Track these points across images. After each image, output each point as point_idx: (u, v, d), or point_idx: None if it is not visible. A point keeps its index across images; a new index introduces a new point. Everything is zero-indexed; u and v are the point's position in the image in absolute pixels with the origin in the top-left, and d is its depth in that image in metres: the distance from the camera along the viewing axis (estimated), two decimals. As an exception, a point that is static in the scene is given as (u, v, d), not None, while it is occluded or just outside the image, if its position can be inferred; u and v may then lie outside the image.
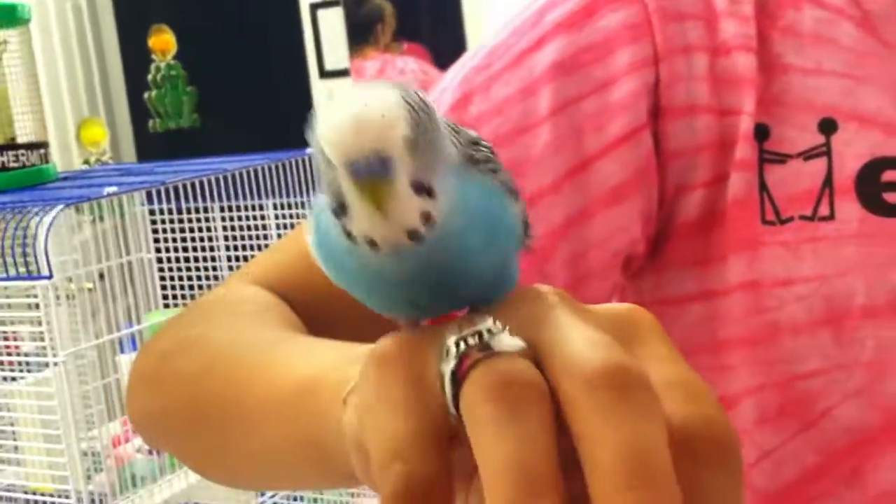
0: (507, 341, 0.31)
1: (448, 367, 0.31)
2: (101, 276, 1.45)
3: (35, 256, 0.99)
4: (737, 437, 0.31)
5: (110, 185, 1.19)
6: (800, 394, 0.62)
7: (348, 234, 0.33)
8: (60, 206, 1.02)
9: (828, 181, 0.61)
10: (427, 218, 0.32)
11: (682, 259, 0.65)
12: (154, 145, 3.02)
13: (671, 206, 0.64)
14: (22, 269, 1.04)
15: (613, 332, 0.32)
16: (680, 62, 0.62)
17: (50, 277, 0.99)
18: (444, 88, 0.67)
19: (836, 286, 0.61)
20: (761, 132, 0.62)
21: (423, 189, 0.32)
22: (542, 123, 0.62)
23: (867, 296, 0.60)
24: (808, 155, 0.62)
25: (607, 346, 0.30)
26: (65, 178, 1.37)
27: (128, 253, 1.49)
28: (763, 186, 0.62)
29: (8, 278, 1.02)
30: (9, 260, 1.03)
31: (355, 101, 0.31)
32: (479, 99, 0.64)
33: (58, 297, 1.07)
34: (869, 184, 0.61)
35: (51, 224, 0.99)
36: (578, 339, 0.31)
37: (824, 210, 0.61)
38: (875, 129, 0.61)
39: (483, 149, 0.36)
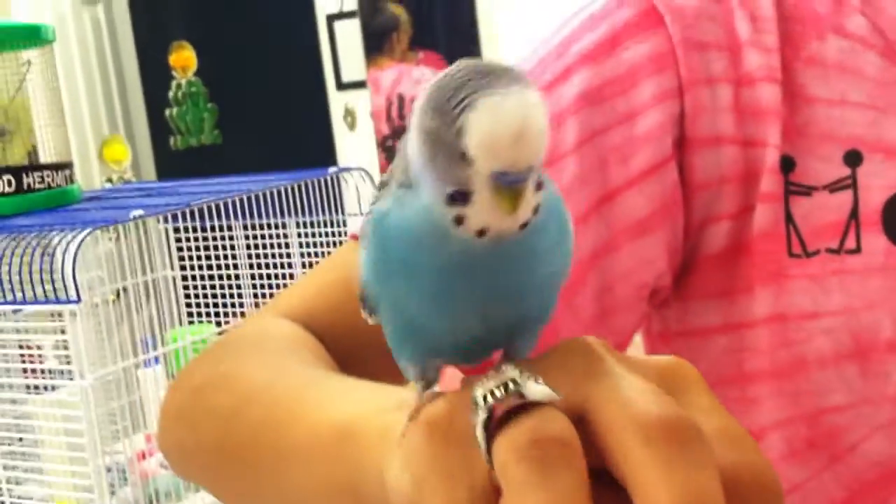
0: (535, 390, 0.31)
1: (478, 420, 0.31)
2: (125, 290, 1.46)
3: (63, 279, 1.00)
4: (780, 484, 0.32)
5: (135, 206, 1.19)
6: (827, 427, 0.62)
7: (459, 220, 0.33)
8: (88, 230, 1.03)
9: (854, 214, 0.61)
10: (536, 210, 0.34)
11: (707, 290, 0.65)
12: (175, 162, 3.03)
13: (696, 238, 0.64)
14: (49, 292, 1.04)
15: (659, 383, 0.32)
16: (704, 93, 0.62)
17: (78, 301, 1.00)
18: None
19: (862, 319, 0.60)
20: (786, 164, 0.62)
21: (539, 186, 0.33)
22: (568, 155, 0.62)
23: (893, 329, 0.60)
24: (833, 187, 0.61)
25: (661, 398, 0.31)
26: (89, 199, 1.38)
27: (152, 271, 1.50)
28: (789, 219, 0.62)
29: (35, 302, 1.03)
30: (36, 281, 1.04)
31: (516, 110, 0.31)
32: None
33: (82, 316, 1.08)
34: (894, 216, 0.60)
35: (78, 247, 1.00)
36: (631, 391, 0.31)
37: (851, 243, 0.61)
38: None
39: None
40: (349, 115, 3.06)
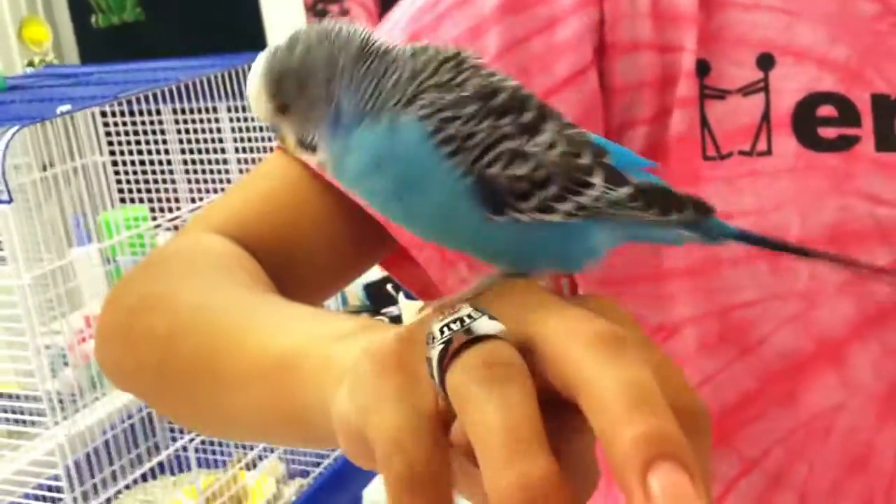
0: (487, 325, 0.34)
1: (434, 352, 0.34)
2: (54, 176, 1.44)
3: (-7, 180, 0.98)
4: (707, 409, 0.34)
5: (61, 97, 1.17)
6: (738, 322, 0.65)
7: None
8: (15, 128, 1.01)
9: (765, 116, 0.62)
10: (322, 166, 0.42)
11: None
12: (98, 41, 2.94)
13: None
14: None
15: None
16: (623, 0, 0.63)
17: (10, 202, 0.99)
18: (391, 27, 0.67)
19: (772, 219, 0.62)
20: (702, 68, 0.63)
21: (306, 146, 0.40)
22: (491, 64, 0.63)
23: (802, 228, 0.62)
24: (746, 91, 0.63)
25: (597, 318, 0.34)
26: (12, 89, 1.34)
27: (81, 156, 1.48)
28: (704, 122, 0.63)
29: (-35, 201, 1.01)
30: (-35, 181, 1.02)
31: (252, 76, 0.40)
32: (427, 39, 0.64)
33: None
34: (805, 119, 0.62)
35: (6, 146, 0.98)
36: (571, 315, 0.34)
37: (762, 145, 0.62)
38: (811, 64, 0.62)
39: (445, 98, 0.39)
40: (275, -21, 2.99)
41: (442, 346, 0.34)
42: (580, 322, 0.33)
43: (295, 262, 0.65)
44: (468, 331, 0.34)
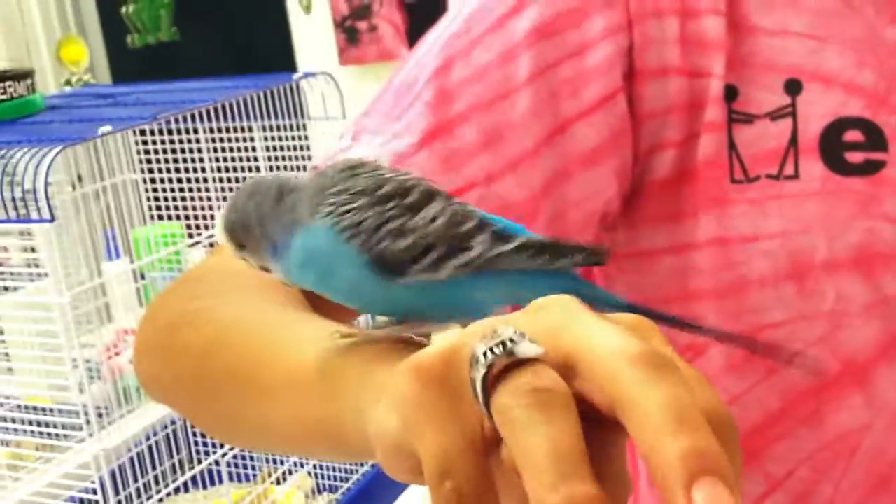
0: (529, 348, 0.35)
1: (478, 375, 0.35)
2: (90, 194, 1.46)
3: (35, 199, 1.00)
4: (734, 419, 0.36)
5: (101, 118, 1.19)
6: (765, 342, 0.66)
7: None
8: (58, 148, 1.03)
9: (793, 141, 0.64)
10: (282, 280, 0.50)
11: (654, 215, 0.68)
12: (132, 61, 2.97)
13: (644, 165, 0.67)
14: (20, 209, 1.05)
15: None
16: (652, 26, 0.64)
17: (51, 221, 1.01)
18: (426, 52, 0.68)
19: (799, 242, 0.64)
20: (730, 93, 0.64)
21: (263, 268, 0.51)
22: (521, 89, 0.64)
23: (829, 250, 0.63)
24: (774, 115, 0.64)
25: (635, 337, 0.35)
26: (51, 108, 1.37)
27: (115, 174, 1.51)
28: (732, 146, 0.64)
29: (8, 220, 1.04)
30: (7, 199, 1.05)
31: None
32: (460, 64, 0.66)
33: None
34: (831, 143, 0.63)
35: (49, 166, 1.01)
36: (613, 333, 0.35)
37: (789, 169, 0.64)
38: (838, 89, 0.63)
39: (342, 197, 0.46)
40: (304, -4, 3.01)
41: (485, 371, 0.35)
42: (622, 342, 0.35)
43: None
44: (510, 353, 0.35)
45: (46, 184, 1.00)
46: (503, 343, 0.35)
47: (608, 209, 0.67)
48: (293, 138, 1.45)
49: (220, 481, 1.52)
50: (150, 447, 1.49)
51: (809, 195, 0.63)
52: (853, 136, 0.63)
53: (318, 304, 0.61)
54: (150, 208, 1.59)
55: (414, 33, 3.11)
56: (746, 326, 0.66)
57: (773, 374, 0.67)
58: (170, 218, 1.58)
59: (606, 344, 0.35)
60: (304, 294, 0.63)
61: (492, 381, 0.35)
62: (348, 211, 0.46)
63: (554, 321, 0.37)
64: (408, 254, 0.46)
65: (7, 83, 1.26)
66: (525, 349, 0.35)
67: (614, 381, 0.34)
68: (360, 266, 0.46)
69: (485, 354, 0.35)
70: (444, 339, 0.39)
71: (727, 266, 0.65)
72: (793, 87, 0.64)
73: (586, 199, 0.66)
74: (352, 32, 3.01)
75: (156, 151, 1.53)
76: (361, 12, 3.02)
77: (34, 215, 1.03)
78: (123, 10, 2.89)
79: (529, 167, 0.64)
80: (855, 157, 0.63)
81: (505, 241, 0.47)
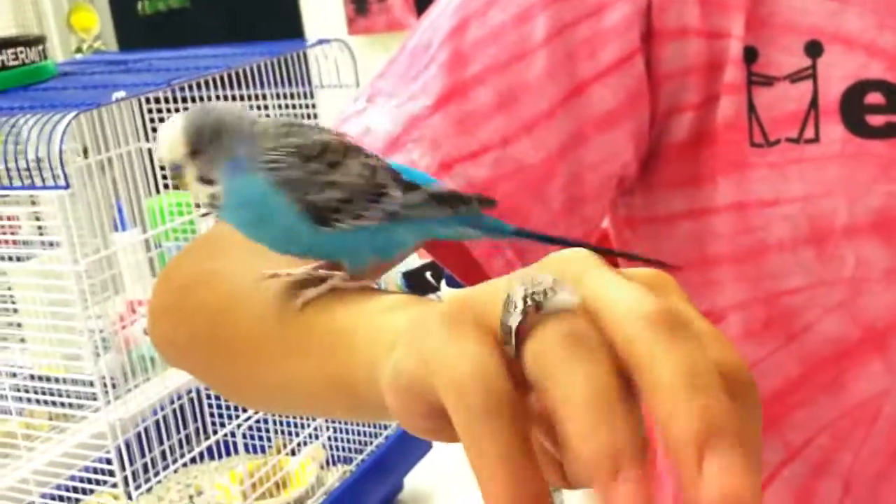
0: (567, 298, 0.35)
1: (514, 320, 0.35)
2: (101, 162, 1.45)
3: (50, 164, 0.99)
4: (752, 376, 0.35)
5: (114, 84, 1.18)
6: (784, 308, 0.65)
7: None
8: (73, 114, 1.02)
9: (813, 104, 0.63)
10: (213, 197, 0.52)
11: (672, 178, 0.67)
12: (141, 29, 2.96)
13: (662, 128, 0.66)
14: (35, 175, 1.04)
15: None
16: None
17: (66, 188, 1.00)
18: (440, 13, 0.67)
19: (819, 206, 0.63)
20: (749, 55, 0.63)
21: (209, 182, 0.52)
22: (537, 50, 0.64)
23: (849, 215, 0.62)
24: (794, 77, 0.63)
25: (654, 295, 0.35)
26: (63, 75, 1.35)
27: (126, 143, 1.49)
28: (751, 109, 0.64)
29: (23, 187, 1.02)
30: (21, 167, 1.04)
31: (164, 128, 0.51)
32: (475, 25, 0.65)
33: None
34: (853, 106, 0.62)
35: (64, 132, 0.99)
36: (628, 291, 0.35)
37: (810, 132, 0.63)
38: (859, 51, 0.62)
39: (278, 153, 0.52)
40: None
41: (522, 317, 0.35)
42: (637, 300, 0.34)
43: None
44: (545, 303, 0.35)
45: (61, 150, 0.99)
46: (544, 291, 0.35)
47: (625, 172, 0.66)
48: (306, 106, 1.43)
49: (235, 452, 1.52)
50: (163, 418, 1.49)
51: (830, 158, 0.62)
52: (874, 98, 0.62)
53: None
54: (163, 177, 1.57)
55: (422, 4, 3.10)
56: (765, 292, 0.65)
57: (792, 340, 0.66)
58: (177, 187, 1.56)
59: (622, 301, 0.34)
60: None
61: (526, 329, 0.35)
62: (283, 168, 0.52)
63: (570, 275, 0.36)
64: (333, 204, 0.52)
65: (19, 49, 1.25)
66: (564, 298, 0.35)
67: (628, 341, 0.33)
68: (294, 214, 0.52)
69: (524, 300, 0.35)
70: (482, 287, 0.38)
71: (746, 230, 0.64)
72: (813, 49, 0.63)
73: (603, 162, 0.65)
74: (361, 2, 2.99)
75: (162, 120, 1.51)
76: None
77: (48, 183, 1.01)
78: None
79: (545, 129, 0.63)
80: (876, 119, 0.62)
81: (413, 191, 0.54)
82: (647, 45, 0.64)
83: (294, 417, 1.58)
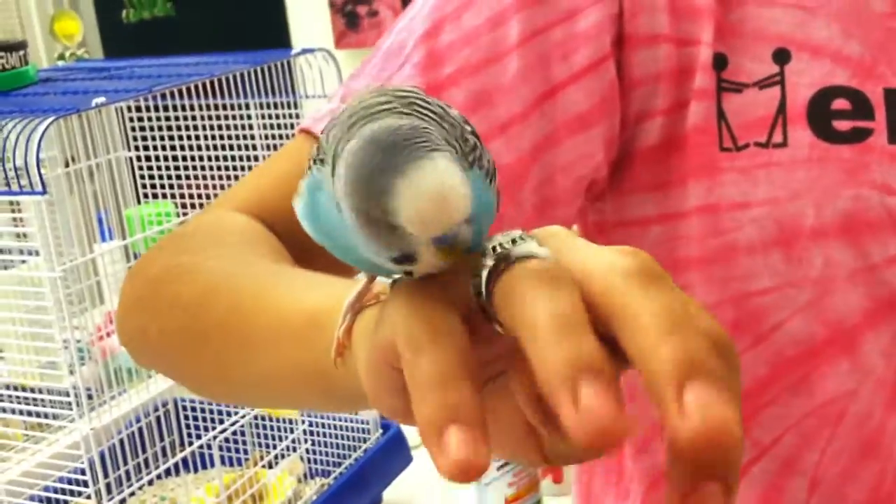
0: (537, 248, 0.35)
1: (487, 263, 0.35)
2: (83, 171, 1.44)
3: (27, 170, 0.98)
4: (735, 346, 0.35)
5: (95, 90, 1.17)
6: (753, 309, 0.66)
7: (408, 273, 0.37)
8: (50, 119, 1.00)
9: (781, 109, 0.64)
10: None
11: (642, 183, 0.68)
12: (126, 37, 2.94)
13: (632, 133, 0.67)
14: (12, 180, 1.03)
15: None
16: None
17: (43, 193, 0.98)
18: (414, 16, 0.68)
19: (787, 209, 0.63)
20: (719, 62, 0.64)
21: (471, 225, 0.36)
22: (510, 52, 0.64)
23: (817, 217, 0.63)
24: (763, 84, 0.64)
25: (636, 255, 0.34)
26: (44, 81, 1.34)
27: (107, 151, 1.48)
28: (721, 114, 0.64)
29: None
30: (-1, 173, 1.02)
31: (433, 185, 0.34)
32: (450, 28, 0.65)
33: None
34: (819, 112, 0.63)
35: (41, 137, 0.98)
36: (607, 253, 0.35)
37: (778, 137, 0.64)
38: (825, 59, 0.63)
39: (469, 137, 0.38)
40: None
41: (494, 262, 0.34)
42: (617, 259, 0.34)
43: (313, 242, 0.66)
44: (510, 253, 0.34)
45: (38, 155, 0.98)
46: (513, 239, 0.35)
47: (596, 175, 0.67)
48: (289, 116, 1.43)
49: (211, 464, 1.50)
50: (139, 429, 1.47)
51: (798, 162, 0.63)
52: (840, 104, 0.63)
53: (305, 265, 0.61)
54: (143, 186, 1.56)
55: (411, 17, 3.08)
56: (734, 293, 0.66)
57: (761, 341, 0.67)
58: (164, 196, 1.55)
59: (602, 261, 0.34)
60: (291, 254, 0.63)
61: (499, 274, 0.34)
62: None
63: (555, 244, 0.36)
64: None
65: (-1, 54, 1.23)
66: (533, 247, 0.35)
67: (608, 294, 0.33)
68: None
69: (493, 249, 0.35)
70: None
71: (715, 233, 0.65)
72: (781, 57, 0.64)
73: (574, 164, 0.65)
74: (352, 17, 2.99)
75: (151, 128, 1.50)
76: (360, -6, 3.00)
77: (26, 189, 1.00)
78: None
79: (519, 131, 0.64)
80: (842, 125, 0.63)
81: None
82: (618, 50, 0.65)
83: (272, 430, 1.57)
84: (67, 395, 1.22)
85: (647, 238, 0.68)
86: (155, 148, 1.51)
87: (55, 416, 1.40)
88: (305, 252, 0.63)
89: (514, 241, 0.35)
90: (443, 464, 0.31)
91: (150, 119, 1.50)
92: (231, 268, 0.58)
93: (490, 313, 0.35)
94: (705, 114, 0.64)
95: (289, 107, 1.43)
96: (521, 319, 0.32)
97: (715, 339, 0.33)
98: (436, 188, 0.33)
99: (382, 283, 0.42)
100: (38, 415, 1.40)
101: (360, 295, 0.43)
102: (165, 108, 1.44)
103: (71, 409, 1.22)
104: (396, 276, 0.38)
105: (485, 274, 0.35)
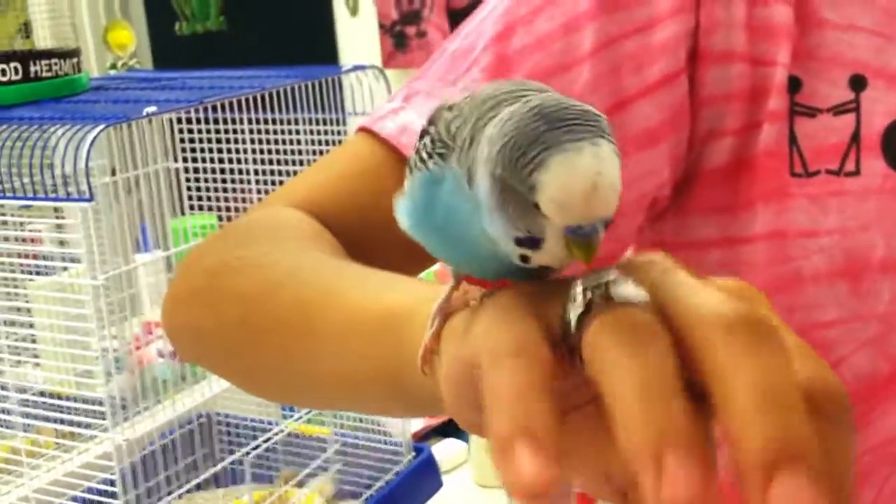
0: (632, 291, 0.33)
1: (575, 312, 0.33)
2: (130, 180, 1.44)
3: (76, 176, 0.98)
4: (849, 398, 0.33)
5: (146, 100, 1.17)
6: (817, 341, 0.64)
7: (524, 259, 0.34)
8: (101, 126, 1.00)
9: (855, 137, 0.62)
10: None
11: (706, 204, 0.66)
12: (177, 49, 2.97)
13: (699, 152, 0.65)
14: (59, 187, 1.02)
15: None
16: (719, 8, 0.62)
17: (90, 200, 0.98)
18: (485, 17, 0.66)
19: (857, 240, 0.62)
20: (794, 84, 0.63)
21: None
22: (583, 61, 0.63)
23: (886, 249, 0.62)
24: (837, 110, 0.62)
25: (737, 300, 0.32)
26: (95, 89, 1.34)
27: (156, 161, 1.48)
28: (792, 138, 0.63)
29: (47, 198, 1.01)
30: (46, 175, 1.02)
31: (589, 168, 0.32)
32: (522, 31, 0.64)
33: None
34: (893, 142, 0.62)
35: (91, 144, 0.98)
36: (708, 295, 0.32)
37: (850, 165, 0.62)
38: None
39: None
40: (351, -1, 3.00)
41: (583, 309, 0.32)
42: (720, 305, 0.31)
43: (374, 245, 0.65)
44: (608, 295, 0.32)
45: (88, 163, 0.97)
46: (605, 284, 0.33)
47: (659, 194, 0.65)
48: (337, 132, 1.42)
49: (242, 480, 1.49)
50: (171, 442, 1.46)
51: (870, 192, 0.62)
52: None
53: (354, 253, 0.60)
54: (189, 198, 1.56)
55: (460, 41, 3.10)
56: (797, 324, 0.64)
57: None
58: (210, 209, 1.55)
59: (705, 307, 0.32)
60: (341, 243, 0.62)
61: (588, 320, 0.32)
62: None
63: (647, 278, 0.34)
64: None
65: (53, 60, 1.24)
66: (627, 291, 0.32)
67: (705, 349, 0.31)
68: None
69: (584, 293, 0.33)
70: (541, 284, 0.36)
71: (782, 261, 0.64)
72: (857, 83, 0.62)
73: (639, 179, 0.64)
74: (400, 37, 3.00)
75: (200, 140, 1.50)
76: (411, 17, 3.00)
77: (73, 195, 1.00)
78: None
79: None
80: None
81: None
82: (692, 65, 0.63)
83: (304, 448, 1.55)
84: (101, 404, 1.22)
85: (707, 262, 0.66)
86: (203, 160, 1.51)
87: (88, 426, 1.39)
88: (361, 251, 0.62)
89: (607, 286, 0.33)
90: (509, 480, 0.29)
91: (199, 131, 1.49)
92: (295, 262, 0.57)
93: (575, 349, 0.33)
94: (777, 137, 0.62)
95: (337, 123, 1.42)
96: (608, 379, 0.30)
97: (824, 392, 0.31)
98: (592, 174, 0.32)
99: (469, 288, 0.41)
100: (70, 423, 1.39)
101: (448, 298, 0.41)
102: (216, 122, 1.44)
103: (103, 419, 1.21)
104: (487, 291, 0.36)
105: (574, 315, 0.33)
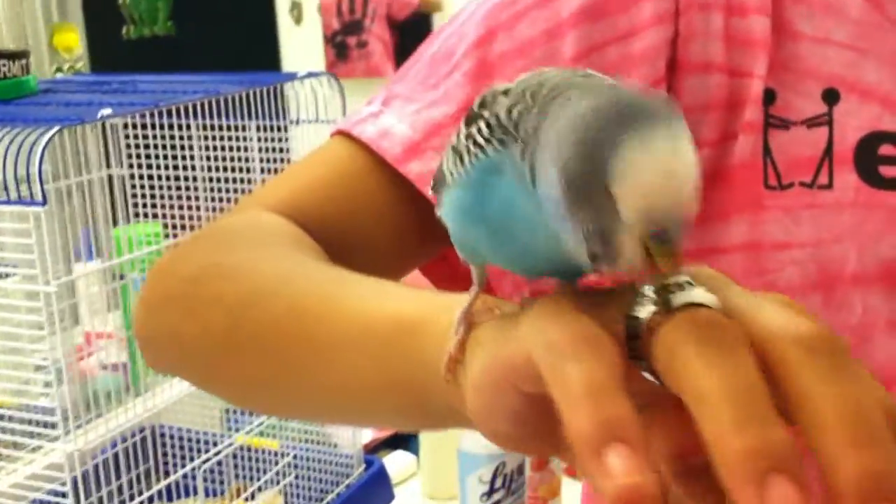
0: (706, 296, 0.31)
1: (646, 311, 0.31)
2: (73, 186, 1.41)
3: (28, 180, 0.95)
4: None
5: (98, 102, 1.14)
6: None
7: (593, 257, 0.32)
8: (55, 129, 0.98)
9: (828, 150, 0.63)
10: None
11: None
12: (124, 53, 2.92)
13: None
14: (11, 191, 1.00)
15: None
16: (698, 18, 0.63)
17: (43, 205, 0.95)
18: (465, 21, 0.66)
19: (830, 252, 0.62)
20: (768, 96, 0.63)
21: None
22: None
23: (858, 262, 0.62)
24: (810, 123, 0.63)
25: (809, 317, 0.32)
26: (44, 91, 1.31)
27: (101, 168, 1.45)
28: (767, 151, 0.63)
29: (-1, 201, 0.98)
30: (-4, 180, 0.99)
31: (673, 173, 0.30)
32: (503, 36, 0.64)
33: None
34: (866, 156, 0.62)
35: (45, 147, 0.96)
36: (778, 310, 0.32)
37: (823, 178, 0.63)
38: (874, 103, 0.63)
39: None
40: (295, 7, 2.99)
41: (654, 307, 0.31)
42: (795, 320, 0.31)
43: (354, 249, 0.64)
44: (681, 299, 0.31)
45: (41, 166, 0.95)
46: (679, 284, 0.31)
47: None
48: (285, 139, 1.40)
49: (192, 494, 1.46)
50: (118, 454, 1.43)
51: (842, 206, 0.62)
52: (888, 150, 0.62)
53: (333, 258, 0.59)
54: (134, 205, 1.53)
55: (401, 51, 3.11)
56: None
57: None
58: (154, 217, 1.52)
59: (777, 323, 0.31)
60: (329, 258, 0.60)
61: (656, 323, 0.31)
62: None
63: (715, 286, 0.33)
64: None
65: (1, 62, 1.21)
66: (701, 294, 0.31)
67: (786, 368, 0.30)
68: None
69: (656, 292, 0.31)
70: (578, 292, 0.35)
71: (757, 272, 0.64)
72: (830, 97, 0.63)
73: None
74: (341, 48, 2.99)
75: (146, 146, 1.47)
76: (352, 28, 3.00)
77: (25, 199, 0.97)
78: (121, 0, 2.84)
79: None
80: (889, 171, 0.62)
81: None
82: (671, 75, 0.64)
83: (255, 461, 1.53)
84: (52, 413, 1.18)
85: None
86: (150, 166, 1.48)
87: (31, 435, 1.35)
88: (340, 255, 0.61)
89: (682, 286, 0.31)
90: (610, 487, 0.28)
91: (146, 136, 1.47)
92: (284, 268, 0.55)
93: (642, 357, 0.32)
94: (752, 149, 0.63)
95: (286, 129, 1.40)
96: (694, 389, 0.29)
97: (892, 418, 0.31)
98: (680, 169, 0.30)
99: (488, 298, 0.39)
100: (14, 432, 1.35)
101: (471, 307, 0.39)
102: (161, 126, 1.41)
103: (50, 430, 1.18)
104: (526, 297, 0.35)
105: (645, 317, 0.31)
